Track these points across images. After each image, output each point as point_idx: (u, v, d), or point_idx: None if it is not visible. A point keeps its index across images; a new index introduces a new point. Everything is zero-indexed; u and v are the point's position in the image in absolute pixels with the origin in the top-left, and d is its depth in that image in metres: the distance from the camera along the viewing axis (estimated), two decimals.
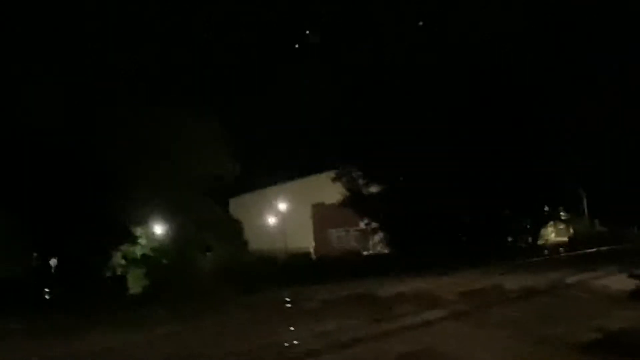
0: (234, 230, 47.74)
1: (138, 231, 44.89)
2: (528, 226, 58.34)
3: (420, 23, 49.13)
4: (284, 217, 65.69)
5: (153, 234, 45.81)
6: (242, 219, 50.78)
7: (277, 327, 20.14)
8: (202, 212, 44.13)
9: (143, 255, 44.49)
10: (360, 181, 54.67)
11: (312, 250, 60.77)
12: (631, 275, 26.29)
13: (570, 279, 27.49)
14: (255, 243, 53.61)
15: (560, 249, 55.69)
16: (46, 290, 40.62)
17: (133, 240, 44.41)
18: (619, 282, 25.87)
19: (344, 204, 55.29)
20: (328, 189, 56.18)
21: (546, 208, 59.93)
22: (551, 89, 49.11)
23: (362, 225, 59.41)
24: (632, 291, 23.47)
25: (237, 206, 62.17)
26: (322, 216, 65.47)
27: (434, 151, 47.28)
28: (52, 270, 42.04)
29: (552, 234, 69.01)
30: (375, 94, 49.74)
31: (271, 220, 66.55)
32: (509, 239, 56.25)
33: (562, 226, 69.25)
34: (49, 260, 42.37)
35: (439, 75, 48.37)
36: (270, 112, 51.78)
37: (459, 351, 15.18)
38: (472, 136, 48.30)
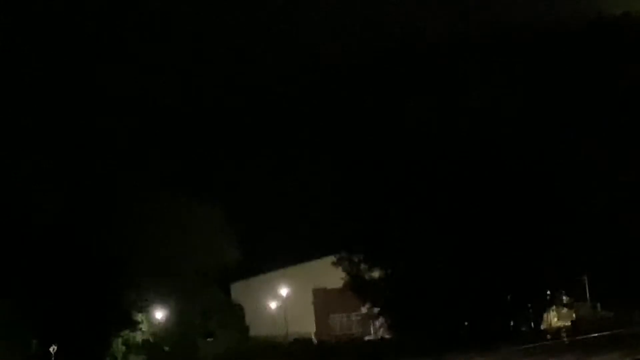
0: (236, 316, 47.59)
1: (139, 317, 44.73)
2: (530, 310, 58.04)
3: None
4: (285, 302, 65.33)
5: (155, 320, 45.61)
6: (243, 304, 50.66)
7: None
8: (203, 298, 44.07)
9: (144, 341, 44.25)
10: (362, 266, 54.48)
11: (313, 335, 60.35)
12: None
13: None
14: (257, 328, 53.40)
15: (563, 333, 55.31)
16: None
17: (134, 326, 44.23)
18: None
19: (345, 288, 55.06)
20: (330, 274, 55.98)
21: (548, 292, 59.68)
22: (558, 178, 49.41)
23: (363, 310, 59.08)
24: None
25: (239, 291, 61.91)
26: (324, 301, 65.09)
27: (439, 237, 47.37)
28: (52, 357, 41.77)
29: (554, 318, 68.61)
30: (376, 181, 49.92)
31: (272, 305, 66.20)
32: (512, 324, 55.91)
33: (564, 310, 68.85)
34: (49, 347, 42.13)
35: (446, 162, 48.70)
36: (273, 198, 51.82)
37: None
38: (473, 221, 48.38)
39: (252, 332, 52.51)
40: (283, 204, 51.96)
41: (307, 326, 62.53)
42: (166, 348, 43.63)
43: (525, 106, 48.23)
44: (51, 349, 41.72)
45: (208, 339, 45.47)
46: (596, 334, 48.42)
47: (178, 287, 43.47)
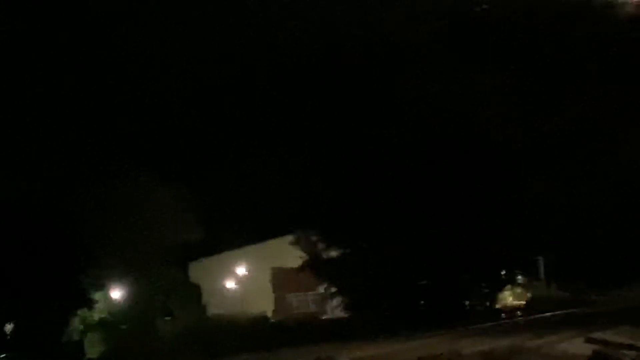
0: (194, 295, 47.56)
1: (97, 295, 44.55)
2: (485, 290, 58.55)
3: None
4: (243, 281, 65.36)
5: (112, 298, 45.46)
6: (201, 283, 50.57)
7: None
8: (161, 277, 43.98)
9: (101, 319, 44.11)
10: (320, 245, 54.69)
11: (271, 314, 60.44)
12: (588, 340, 26.52)
13: (529, 344, 27.61)
14: (215, 307, 53.34)
15: (518, 312, 55.93)
16: (1, 356, 40.12)
17: (91, 304, 44.04)
18: (577, 346, 26.06)
19: (302, 268, 55.26)
20: (287, 253, 56.13)
21: (503, 272, 60.22)
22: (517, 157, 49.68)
23: (320, 289, 59.31)
24: (591, 356, 23.66)
25: (197, 270, 61.78)
26: (281, 280, 65.18)
27: (395, 217, 47.57)
28: (8, 336, 41.53)
29: (509, 297, 69.24)
30: (336, 160, 49.95)
31: (230, 284, 66.18)
32: (467, 303, 56.38)
33: (519, 290, 69.48)
34: (5, 325, 41.88)
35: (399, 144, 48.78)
36: (231, 177, 51.70)
37: None
38: (430, 202, 48.66)
39: (210, 311, 52.41)
40: (241, 183, 51.80)
41: (264, 305, 62.55)
42: (123, 327, 43.51)
43: (477, 88, 48.31)
44: (7, 328, 41.50)
45: (166, 318, 45.44)
46: (551, 313, 49.03)
47: (136, 266, 43.33)
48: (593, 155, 48.50)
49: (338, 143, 49.80)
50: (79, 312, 43.60)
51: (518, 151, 49.57)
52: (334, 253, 54.66)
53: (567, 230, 53.20)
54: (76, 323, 43.55)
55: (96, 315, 44.18)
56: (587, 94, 47.06)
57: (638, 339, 28.37)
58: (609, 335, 28.30)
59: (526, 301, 62.68)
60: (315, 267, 54.86)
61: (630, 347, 25.57)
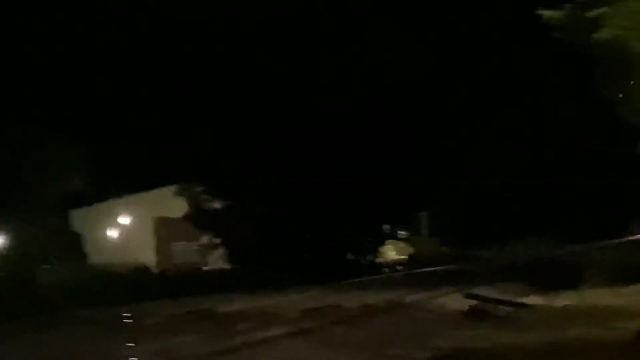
0: (75, 244, 46.91)
1: None
2: (368, 244, 59.16)
3: None
4: (126, 231, 64.74)
5: None
6: (83, 232, 49.87)
7: (114, 344, 19.80)
8: (41, 225, 43.21)
9: None
10: (203, 196, 54.47)
11: (153, 264, 60.05)
12: (466, 296, 27.03)
13: (409, 298, 27.99)
14: (97, 257, 52.78)
15: (400, 267, 56.74)
16: None
17: None
18: (455, 301, 26.53)
19: (186, 218, 55.03)
20: (171, 203, 55.77)
21: (387, 226, 60.91)
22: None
23: (203, 240, 59.18)
24: (467, 311, 24.13)
25: (80, 219, 61.00)
26: (165, 230, 64.81)
27: (280, 170, 47.60)
28: None
29: (392, 252, 70.16)
30: (222, 107, 49.56)
31: (113, 233, 65.48)
32: (350, 257, 56.90)
33: (402, 244, 70.48)
34: None
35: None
36: (115, 125, 50.88)
37: None
38: (317, 156, 48.81)
39: (92, 260, 51.83)
40: (125, 131, 51.05)
41: (147, 255, 62.16)
42: (1, 273, 42.64)
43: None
44: None
45: (45, 267, 44.66)
46: (432, 269, 49.81)
47: (15, 214, 42.48)
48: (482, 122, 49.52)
49: (224, 95, 49.40)
50: None
51: (411, 114, 50.14)
52: (217, 204, 54.52)
53: (449, 187, 54.16)
54: None
55: None
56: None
57: (514, 294, 29.11)
58: (486, 291, 28.91)
59: (408, 256, 63.65)
60: (198, 217, 54.65)
61: (506, 302, 26.18)
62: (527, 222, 57.28)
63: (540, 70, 46.47)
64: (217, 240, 56.11)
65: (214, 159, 49.81)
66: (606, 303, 24.23)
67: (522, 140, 52.79)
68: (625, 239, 54.91)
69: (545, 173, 55.64)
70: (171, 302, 31.30)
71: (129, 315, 27.47)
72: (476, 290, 28.86)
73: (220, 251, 56.93)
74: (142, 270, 50.86)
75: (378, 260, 60.45)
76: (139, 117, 49.56)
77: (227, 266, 55.18)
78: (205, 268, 57.88)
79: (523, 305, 25.85)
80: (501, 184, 55.78)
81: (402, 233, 66.26)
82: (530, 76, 47.31)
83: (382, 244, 62.61)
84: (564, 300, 26.75)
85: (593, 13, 19.34)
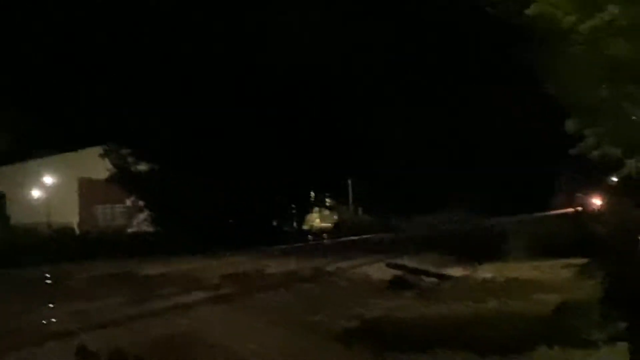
0: None
1: None
2: (294, 211, 59.30)
3: None
4: (49, 191, 63.90)
5: None
6: (6, 192, 49.14)
7: (34, 304, 19.56)
8: None
9: None
10: (129, 159, 54.07)
11: (76, 225, 59.48)
12: (389, 265, 27.24)
13: (333, 266, 28.06)
14: (19, 217, 52.06)
15: (324, 235, 56.97)
16: None
17: None
18: (379, 271, 26.70)
19: (111, 180, 54.60)
20: (96, 164, 55.25)
21: (312, 194, 61.10)
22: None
23: (128, 202, 58.84)
24: (390, 280, 24.30)
25: (3, 179, 60.00)
26: (89, 191, 64.30)
27: (205, 133, 47.43)
28: None
29: (317, 219, 70.41)
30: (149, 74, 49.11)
31: (36, 194, 64.58)
32: (275, 224, 56.99)
33: (327, 212, 70.80)
34: None
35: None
36: (41, 85, 50.09)
37: (219, 336, 15.20)
38: (245, 122, 48.76)
39: (14, 220, 51.13)
40: (51, 90, 50.30)
41: (71, 216, 61.57)
42: None
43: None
44: None
45: None
46: (356, 237, 50.08)
47: None
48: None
49: (151, 57, 48.93)
50: None
51: (336, 85, 50.42)
52: (143, 167, 54.18)
53: (375, 157, 54.49)
54: None
55: None
56: None
57: (437, 265, 29.40)
58: (409, 261, 29.14)
59: (333, 224, 63.96)
60: (123, 180, 54.29)
61: (429, 273, 26.43)
62: (450, 194, 57.96)
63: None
64: (142, 203, 55.84)
65: (141, 121, 49.39)
66: (526, 276, 24.60)
67: (448, 116, 53.46)
68: (545, 213, 55.73)
69: (469, 147, 56.44)
70: (94, 264, 31.00)
71: (50, 276, 27.16)
72: (399, 260, 29.08)
73: (145, 214, 56.69)
74: (65, 232, 50.30)
75: (303, 227, 60.62)
76: (66, 77, 48.93)
77: (151, 229, 54.94)
78: (129, 230, 57.53)
79: (445, 276, 26.12)
80: (424, 155, 56.42)
81: (328, 201, 66.53)
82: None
83: (308, 211, 62.82)
84: (485, 272, 27.10)
85: None
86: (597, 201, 61.76)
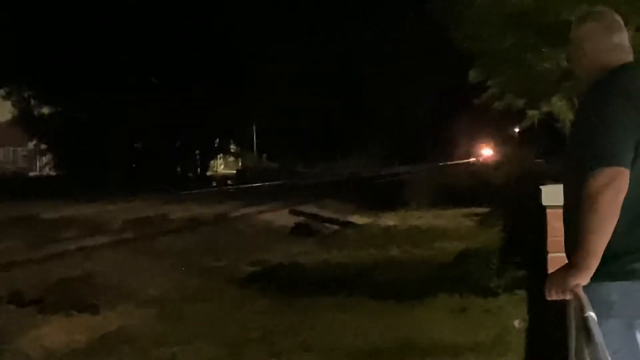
0: None
1: None
2: (197, 157, 59.03)
3: None
4: None
5: None
6: None
7: None
8: None
9: None
10: (32, 101, 53.16)
11: None
12: (292, 212, 27.34)
13: (236, 212, 28.06)
14: None
15: (228, 181, 56.86)
16: None
17: None
18: (281, 217, 26.78)
19: (13, 123, 53.66)
20: None
21: (217, 140, 60.83)
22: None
23: (30, 145, 57.91)
24: (293, 227, 24.40)
25: None
26: None
27: (109, 75, 46.88)
28: None
29: (221, 166, 70.25)
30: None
31: None
32: (178, 169, 56.68)
33: (231, 159, 70.69)
34: None
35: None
36: None
37: (119, 279, 15.09)
38: (150, 68, 48.38)
39: None
40: None
41: None
42: None
43: None
44: None
45: None
46: (260, 184, 50.06)
47: None
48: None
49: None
50: None
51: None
52: (46, 110, 53.33)
53: (280, 101, 54.50)
54: None
55: None
56: None
57: (339, 212, 29.60)
58: (312, 208, 29.27)
59: (237, 170, 63.85)
60: (26, 122, 53.34)
61: (331, 220, 26.60)
62: (351, 141, 58.37)
63: None
64: (44, 146, 55.03)
65: (44, 63, 48.47)
66: (428, 224, 24.92)
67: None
68: (447, 162, 56.46)
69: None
70: None
71: None
72: (302, 207, 29.19)
73: (48, 158, 55.92)
74: None
75: (207, 173, 60.40)
76: None
77: (53, 173, 54.22)
78: (31, 174, 56.63)
79: (348, 223, 26.32)
80: (327, 101, 56.69)
81: (232, 147, 66.37)
82: None
83: (212, 157, 62.58)
84: (388, 220, 27.37)
85: None
86: (488, 151, 62.95)
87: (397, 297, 12.46)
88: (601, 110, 3.73)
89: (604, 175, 3.58)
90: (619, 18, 4.01)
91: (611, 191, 3.56)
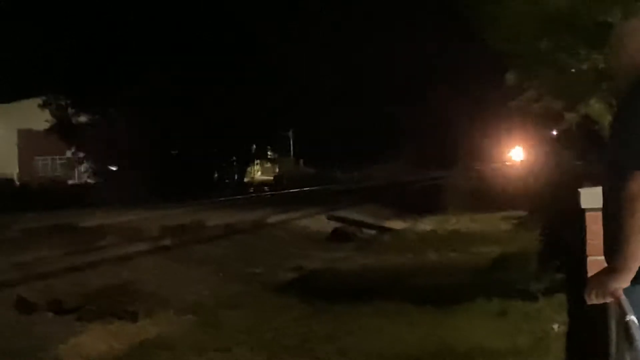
0: None
1: None
2: (235, 163, 59.14)
3: None
4: None
5: None
6: None
7: None
8: None
9: None
10: (70, 110, 53.52)
11: (16, 177, 58.84)
12: (330, 217, 27.29)
13: (273, 219, 28.05)
14: None
15: (266, 187, 56.91)
16: None
17: None
18: (319, 223, 26.76)
19: (51, 131, 54.00)
20: (36, 116, 54.62)
21: (254, 146, 60.93)
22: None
23: (69, 154, 58.32)
24: (331, 233, 24.37)
25: None
26: (29, 143, 63.76)
27: (146, 84, 47.07)
28: None
29: (258, 172, 70.35)
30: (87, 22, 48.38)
31: None
32: (216, 176, 56.81)
33: (268, 165, 70.77)
34: None
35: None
36: None
37: (156, 286, 15.13)
38: (189, 76, 48.54)
39: None
40: None
41: (10, 167, 60.89)
42: None
43: None
44: None
45: None
46: (297, 189, 50.08)
47: None
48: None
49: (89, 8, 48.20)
50: None
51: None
52: (84, 118, 53.68)
53: (316, 108, 54.52)
54: None
55: None
56: None
57: (376, 217, 29.53)
58: (350, 214, 29.22)
59: (274, 176, 63.92)
60: (64, 131, 53.70)
61: (369, 225, 26.55)
62: (387, 146, 58.23)
63: None
64: (82, 154, 55.37)
65: (81, 70, 48.81)
66: (465, 228, 24.81)
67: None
68: (484, 166, 56.23)
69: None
70: (33, 215, 30.60)
71: None
72: (340, 213, 29.16)
73: (86, 166, 56.28)
74: (4, 183, 49.66)
75: (244, 180, 60.51)
76: (2, 26, 48.00)
77: (92, 181, 54.54)
78: (69, 182, 57.03)
79: (386, 228, 26.27)
80: (363, 107, 56.63)
81: (269, 154, 66.45)
82: None
83: (249, 164, 62.69)
84: (425, 224, 27.30)
85: None
86: (526, 154, 61.52)
87: (435, 302, 12.39)
88: (639, 112, 3.68)
89: None
90: None
91: None
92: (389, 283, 14.76)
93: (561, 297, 11.49)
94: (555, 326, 10.11)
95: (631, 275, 3.55)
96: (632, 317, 3.17)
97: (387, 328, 11.08)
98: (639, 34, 3.92)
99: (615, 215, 3.59)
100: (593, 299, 3.69)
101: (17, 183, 54.21)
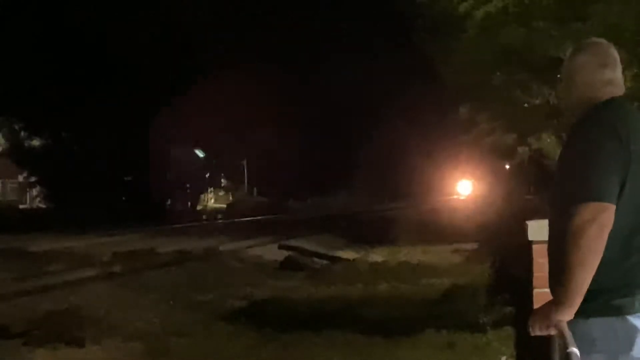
0: None
1: None
2: (188, 190, 59.01)
3: None
4: None
5: None
6: None
7: None
8: None
9: None
10: (22, 133, 53.09)
11: None
12: (281, 246, 27.25)
13: (225, 247, 27.98)
14: None
15: (219, 215, 56.78)
16: None
17: None
18: (270, 252, 26.71)
19: (3, 155, 53.61)
20: None
21: (207, 174, 60.89)
22: None
23: (20, 178, 57.84)
24: (282, 262, 24.36)
25: None
26: None
27: (103, 112, 46.90)
28: None
29: (211, 200, 70.21)
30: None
31: None
32: (169, 202, 56.59)
33: (222, 193, 70.71)
34: None
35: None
36: None
37: (107, 313, 15.01)
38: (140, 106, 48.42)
39: None
40: None
41: None
42: None
43: None
44: None
45: None
46: (250, 218, 49.97)
47: None
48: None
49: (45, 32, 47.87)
50: None
51: None
52: (36, 142, 53.28)
53: (270, 137, 54.59)
54: None
55: None
56: None
57: (328, 247, 29.55)
58: (301, 243, 29.20)
59: (227, 204, 63.81)
60: (16, 154, 53.28)
61: (320, 255, 26.55)
62: (341, 178, 58.37)
63: None
64: (34, 179, 54.95)
65: (35, 95, 48.38)
66: (416, 260, 24.87)
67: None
68: (437, 198, 56.44)
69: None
70: None
71: None
72: (291, 242, 29.13)
73: (38, 190, 55.84)
74: None
75: (198, 207, 60.36)
76: None
77: (43, 205, 54.11)
78: (21, 206, 56.47)
79: (337, 258, 26.25)
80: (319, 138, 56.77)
81: (223, 181, 66.43)
82: None
83: (202, 191, 62.58)
84: (376, 255, 27.35)
85: None
86: (478, 188, 61.26)
87: (384, 333, 12.42)
88: (587, 144, 3.70)
89: (588, 210, 3.55)
90: (615, 52, 4.00)
91: (595, 227, 3.53)
92: (339, 313, 14.76)
93: (509, 330, 11.56)
94: (503, 358, 10.17)
95: (574, 308, 3.57)
96: (574, 350, 3.20)
97: (336, 358, 11.08)
98: (588, 69, 3.96)
99: (561, 248, 3.62)
100: (537, 331, 3.71)
101: None
